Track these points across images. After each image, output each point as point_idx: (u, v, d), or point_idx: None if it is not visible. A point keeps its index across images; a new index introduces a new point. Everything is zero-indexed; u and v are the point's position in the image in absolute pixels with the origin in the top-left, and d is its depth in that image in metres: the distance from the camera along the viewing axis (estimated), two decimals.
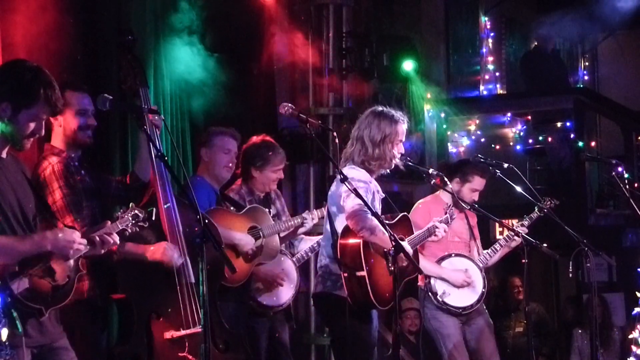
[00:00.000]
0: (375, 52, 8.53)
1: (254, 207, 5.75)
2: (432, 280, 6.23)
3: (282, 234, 5.82)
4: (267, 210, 5.83)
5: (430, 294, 6.23)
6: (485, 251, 6.42)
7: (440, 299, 6.21)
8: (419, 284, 6.33)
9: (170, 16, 6.30)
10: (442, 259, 6.30)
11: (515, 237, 6.22)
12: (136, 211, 4.01)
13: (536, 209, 6.51)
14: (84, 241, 3.74)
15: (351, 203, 4.85)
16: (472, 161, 6.45)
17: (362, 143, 5.07)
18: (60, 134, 4.68)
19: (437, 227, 5.30)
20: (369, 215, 4.74)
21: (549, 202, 6.54)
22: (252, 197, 5.96)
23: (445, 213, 5.54)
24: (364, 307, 4.94)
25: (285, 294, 5.99)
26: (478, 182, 6.40)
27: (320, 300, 5.16)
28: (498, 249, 6.43)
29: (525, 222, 6.44)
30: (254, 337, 5.83)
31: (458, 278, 6.20)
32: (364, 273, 4.85)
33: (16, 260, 3.59)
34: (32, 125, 3.73)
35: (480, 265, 6.30)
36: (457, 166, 6.64)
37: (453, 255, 6.29)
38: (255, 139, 6.04)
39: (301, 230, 5.91)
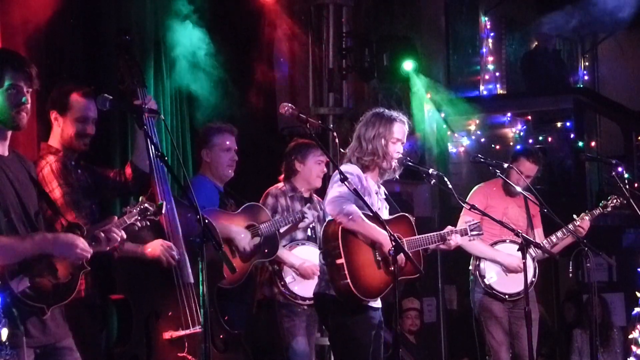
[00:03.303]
0: (375, 52, 8.53)
1: (251, 205, 5.73)
2: (482, 264, 6.34)
3: (282, 230, 5.80)
4: (266, 207, 5.83)
5: (478, 276, 6.31)
6: (542, 241, 6.39)
7: (488, 282, 6.31)
8: (469, 268, 6.43)
9: (170, 17, 6.29)
10: (496, 243, 6.37)
11: (573, 230, 6.26)
12: (146, 204, 3.93)
13: (600, 205, 6.56)
14: (89, 251, 3.72)
15: (333, 191, 4.86)
16: (528, 146, 6.44)
17: (358, 141, 5.12)
18: (57, 135, 4.67)
19: (449, 235, 5.23)
20: (349, 202, 4.76)
21: (614, 200, 6.55)
22: (294, 193, 6.04)
23: (472, 226, 5.40)
24: (349, 300, 4.84)
25: None
26: (524, 165, 6.43)
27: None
28: (555, 240, 6.43)
29: (587, 217, 6.46)
30: (290, 335, 5.88)
31: (512, 262, 6.25)
32: (342, 260, 4.80)
33: (16, 261, 3.57)
34: (12, 93, 3.70)
35: (534, 254, 6.22)
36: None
37: (507, 241, 6.35)
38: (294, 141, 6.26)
39: (302, 224, 5.89)
